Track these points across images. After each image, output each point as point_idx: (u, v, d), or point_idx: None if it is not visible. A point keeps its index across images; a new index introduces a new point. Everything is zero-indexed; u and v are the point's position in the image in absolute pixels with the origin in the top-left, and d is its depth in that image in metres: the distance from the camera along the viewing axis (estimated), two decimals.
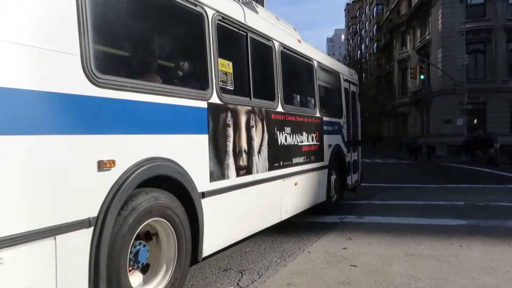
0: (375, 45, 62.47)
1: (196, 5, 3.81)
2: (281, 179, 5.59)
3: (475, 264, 4.68)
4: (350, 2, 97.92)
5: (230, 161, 4.31)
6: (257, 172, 4.89)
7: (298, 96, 6.43)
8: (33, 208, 2.27)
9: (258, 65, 5.07)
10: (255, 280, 4.20)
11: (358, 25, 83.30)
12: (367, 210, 8.29)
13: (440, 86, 32.07)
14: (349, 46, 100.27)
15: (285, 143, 5.67)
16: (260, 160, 4.97)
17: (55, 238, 2.37)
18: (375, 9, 63.05)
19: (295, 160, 6.02)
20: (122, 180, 2.85)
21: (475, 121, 30.88)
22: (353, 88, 9.45)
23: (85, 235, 2.59)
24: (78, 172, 2.56)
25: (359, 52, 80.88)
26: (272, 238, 6.01)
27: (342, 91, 8.55)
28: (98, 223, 2.66)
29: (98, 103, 2.71)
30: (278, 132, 5.45)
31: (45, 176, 2.35)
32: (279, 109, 5.53)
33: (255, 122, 4.83)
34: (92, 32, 2.67)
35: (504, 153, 27.20)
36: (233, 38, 4.64)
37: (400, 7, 45.20)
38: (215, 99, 4.04)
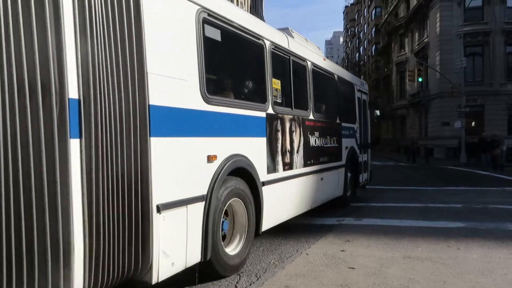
0: (374, 47, 62.59)
1: (259, 39, 5.11)
2: (312, 174, 6.69)
3: (473, 266, 4.69)
4: (349, 5, 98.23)
5: (279, 158, 5.50)
6: (296, 168, 6.04)
7: (324, 106, 7.69)
8: (174, 186, 3.44)
9: (296, 81, 6.25)
10: (253, 283, 4.19)
11: (357, 28, 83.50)
12: (365, 212, 8.31)
13: (438, 89, 32.16)
14: (348, 48, 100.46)
15: (314, 144, 6.81)
16: (298, 158, 6.14)
17: (187, 207, 3.59)
18: (373, 11, 63.22)
19: (321, 159, 7.14)
20: (220, 170, 4.05)
21: (473, 123, 30.97)
22: (364, 96, 10.59)
23: (201, 206, 3.81)
24: (198, 163, 3.80)
25: (357, 54, 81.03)
26: (270, 240, 6.01)
27: (355, 100, 9.64)
28: (207, 198, 3.88)
29: (208, 115, 3.97)
30: (310, 136, 6.60)
31: (186, 165, 3.63)
32: (311, 117, 6.68)
33: (295, 128, 6.00)
34: (204, 67, 3.89)
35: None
36: (280, 61, 5.83)
37: (399, 10, 45.35)
38: (270, 110, 5.23)
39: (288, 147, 5.76)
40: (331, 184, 7.74)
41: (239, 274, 4.46)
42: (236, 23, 4.60)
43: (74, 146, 2.55)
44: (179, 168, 3.53)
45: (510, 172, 18.13)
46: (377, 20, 60.57)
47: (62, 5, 2.49)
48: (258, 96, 5.17)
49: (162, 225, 3.24)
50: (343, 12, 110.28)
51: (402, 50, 42.93)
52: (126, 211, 2.88)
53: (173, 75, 3.48)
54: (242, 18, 4.83)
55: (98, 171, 2.67)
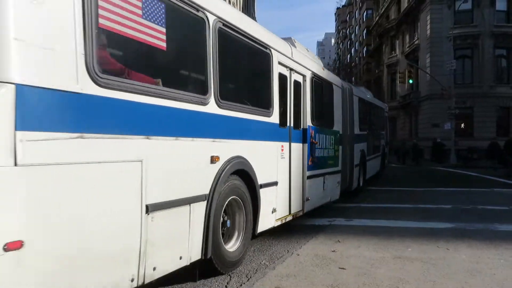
0: (365, 49, 62.94)
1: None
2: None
3: (462, 267, 4.73)
4: (341, 7, 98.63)
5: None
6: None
7: (374, 124, 10.47)
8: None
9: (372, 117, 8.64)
10: (244, 283, 4.18)
11: (348, 29, 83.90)
12: (356, 213, 8.34)
13: (428, 91, 32.44)
14: (339, 50, 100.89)
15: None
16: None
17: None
18: (365, 13, 63.59)
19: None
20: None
21: (463, 125, 31.29)
22: (383, 111, 13.79)
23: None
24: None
25: (349, 56, 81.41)
26: (261, 241, 6.01)
27: (382, 116, 12.46)
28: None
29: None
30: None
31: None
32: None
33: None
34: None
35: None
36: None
37: (390, 12, 45.68)
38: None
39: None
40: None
41: (229, 275, 4.45)
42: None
43: None
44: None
45: None
46: (368, 22, 60.94)
47: None
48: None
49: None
50: (335, 14, 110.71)
51: (393, 52, 43.23)
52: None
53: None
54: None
55: None
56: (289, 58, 6.18)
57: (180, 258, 3.66)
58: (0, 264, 2.08)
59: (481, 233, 6.48)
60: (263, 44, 5.31)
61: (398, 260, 4.98)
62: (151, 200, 3.14)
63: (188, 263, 3.79)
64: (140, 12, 3.10)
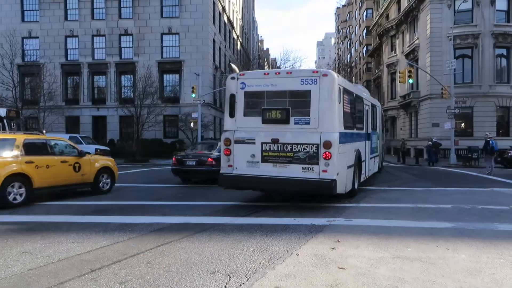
0: (365, 49, 62.94)
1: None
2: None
3: (461, 266, 4.73)
4: (340, 6, 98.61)
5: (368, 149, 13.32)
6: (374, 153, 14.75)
7: (372, 123, 14.11)
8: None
9: (370, 115, 13.82)
10: (243, 283, 4.19)
11: (348, 29, 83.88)
12: (355, 213, 8.34)
13: (428, 90, 32.43)
14: (339, 49, 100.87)
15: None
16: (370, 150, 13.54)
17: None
18: (364, 13, 63.57)
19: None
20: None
21: (463, 125, 31.28)
22: (379, 110, 16.74)
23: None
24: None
25: (348, 56, 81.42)
26: (260, 240, 6.00)
27: (378, 116, 15.90)
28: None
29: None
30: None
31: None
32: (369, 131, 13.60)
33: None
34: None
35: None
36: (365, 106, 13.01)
37: (389, 11, 45.65)
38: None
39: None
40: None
41: (229, 275, 4.45)
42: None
43: None
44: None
45: None
46: (368, 21, 60.94)
47: None
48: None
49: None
50: (335, 14, 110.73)
51: (393, 51, 43.19)
52: None
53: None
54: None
55: None
56: (367, 99, 13.19)
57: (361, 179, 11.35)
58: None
59: (481, 233, 6.48)
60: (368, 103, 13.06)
61: (398, 260, 4.98)
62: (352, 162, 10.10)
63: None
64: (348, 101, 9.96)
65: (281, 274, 4.46)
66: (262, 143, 8.89)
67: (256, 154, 8.93)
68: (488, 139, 18.67)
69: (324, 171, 8.42)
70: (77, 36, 36.25)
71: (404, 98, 37.93)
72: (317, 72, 8.75)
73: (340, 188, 8.85)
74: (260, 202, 9.89)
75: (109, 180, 11.84)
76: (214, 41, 37.80)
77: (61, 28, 36.32)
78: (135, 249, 5.58)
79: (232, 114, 9.32)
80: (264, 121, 8.93)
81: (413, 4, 35.52)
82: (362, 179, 11.73)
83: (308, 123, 8.62)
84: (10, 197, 9.02)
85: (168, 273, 4.56)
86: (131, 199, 10.61)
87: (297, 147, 8.64)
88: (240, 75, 9.45)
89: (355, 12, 73.68)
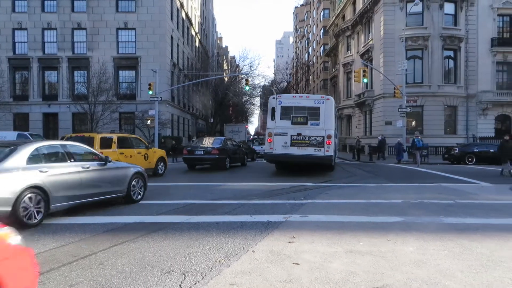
0: (322, 48, 64.16)
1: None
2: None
3: (409, 258, 4.95)
4: (299, 6, 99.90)
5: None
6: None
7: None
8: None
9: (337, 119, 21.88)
10: (198, 282, 4.17)
11: (306, 29, 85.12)
12: (311, 209, 8.50)
13: (381, 90, 33.60)
14: (297, 48, 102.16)
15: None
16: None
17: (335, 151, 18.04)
18: (322, 13, 64.76)
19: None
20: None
21: (413, 123, 32.66)
22: (335, 111, 18.81)
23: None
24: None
25: (306, 54, 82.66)
26: (217, 238, 5.99)
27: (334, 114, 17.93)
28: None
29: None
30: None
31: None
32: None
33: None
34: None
35: (439, 154, 28.95)
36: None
37: (346, 12, 46.81)
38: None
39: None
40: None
41: (184, 274, 4.42)
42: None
43: None
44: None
45: None
46: (325, 21, 62.15)
47: None
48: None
49: None
50: (293, 13, 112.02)
51: (349, 51, 44.36)
52: None
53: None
54: None
55: None
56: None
57: None
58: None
59: (428, 226, 6.80)
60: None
61: (350, 254, 5.13)
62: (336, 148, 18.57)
63: None
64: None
65: (236, 271, 4.47)
66: (291, 135, 15.55)
67: (287, 141, 15.59)
68: (414, 137, 23.66)
69: (327, 151, 15.28)
70: (26, 29, 34.59)
71: (359, 97, 39.07)
72: (323, 97, 16.14)
73: (333, 162, 16.62)
74: (217, 200, 9.85)
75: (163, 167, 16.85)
76: (172, 37, 37.25)
77: (7, 20, 34.48)
78: (87, 250, 5.41)
79: (272, 119, 15.93)
80: (293, 123, 15.68)
81: (368, 6, 36.63)
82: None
83: (318, 124, 15.43)
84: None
85: (121, 273, 4.46)
86: None
87: (311, 138, 15.37)
88: (278, 96, 16.56)
89: (313, 11, 74.89)
